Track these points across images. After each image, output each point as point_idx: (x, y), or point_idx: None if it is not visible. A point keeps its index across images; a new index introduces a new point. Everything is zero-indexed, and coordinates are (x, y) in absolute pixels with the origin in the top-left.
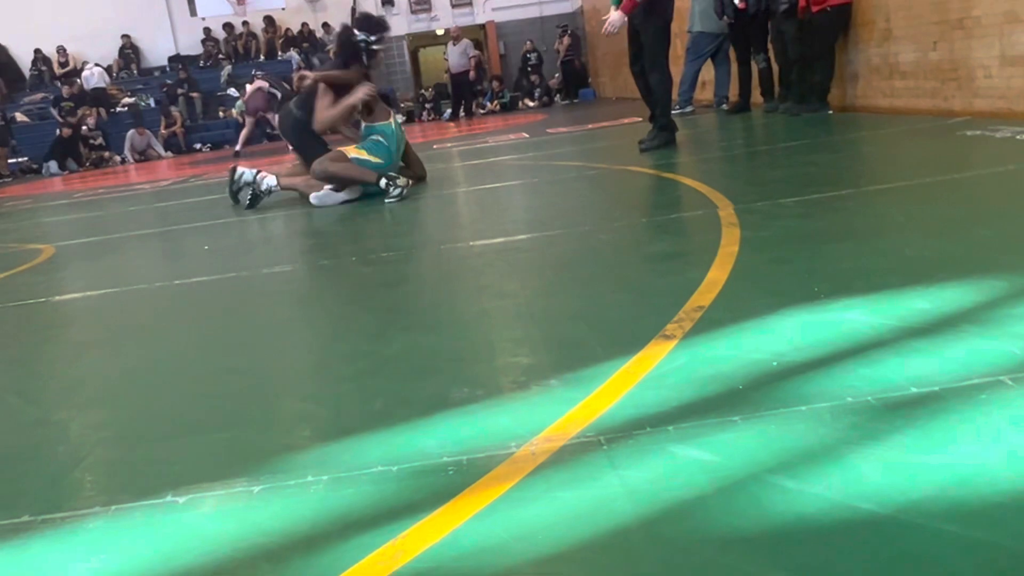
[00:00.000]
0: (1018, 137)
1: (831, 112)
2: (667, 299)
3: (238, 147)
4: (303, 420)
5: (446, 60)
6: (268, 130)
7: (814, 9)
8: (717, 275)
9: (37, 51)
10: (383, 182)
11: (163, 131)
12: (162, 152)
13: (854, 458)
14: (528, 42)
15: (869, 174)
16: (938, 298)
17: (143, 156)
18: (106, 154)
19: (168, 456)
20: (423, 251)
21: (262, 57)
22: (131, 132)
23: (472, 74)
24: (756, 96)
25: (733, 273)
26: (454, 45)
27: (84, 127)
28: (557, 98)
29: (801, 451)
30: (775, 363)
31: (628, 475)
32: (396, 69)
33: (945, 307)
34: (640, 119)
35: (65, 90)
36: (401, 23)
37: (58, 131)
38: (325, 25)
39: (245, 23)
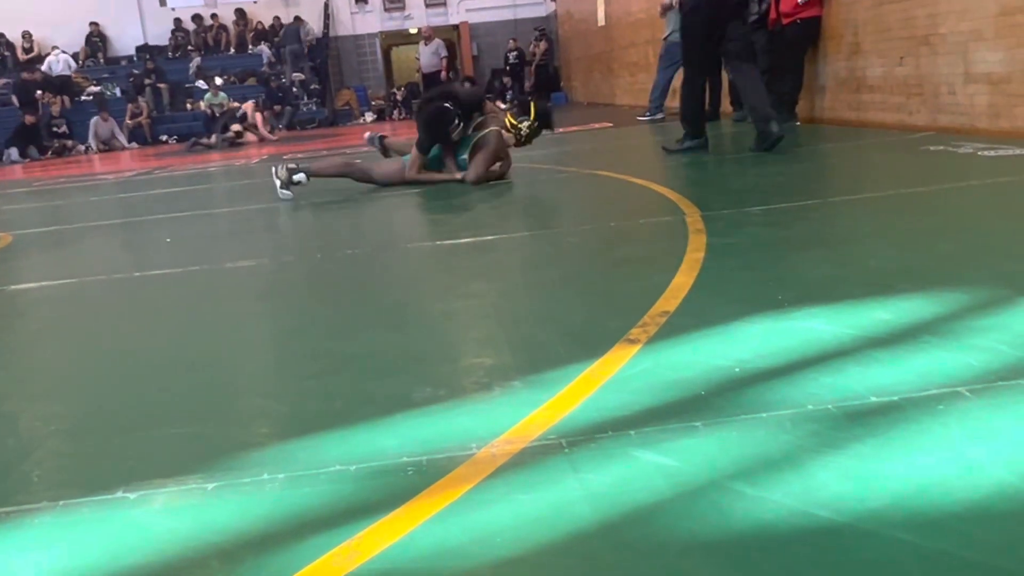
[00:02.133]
0: (980, 153)
1: (798, 123)
2: (632, 303)
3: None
4: (261, 417)
5: (417, 60)
6: None
7: (785, 21)
8: (683, 280)
9: (1, 35)
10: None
11: (129, 121)
12: (125, 143)
13: (813, 466)
14: (511, 40)
15: (835, 185)
16: (899, 309)
17: (107, 146)
18: (69, 143)
19: (121, 451)
20: (389, 250)
21: (232, 50)
22: (95, 119)
23: (444, 74)
24: (725, 105)
25: (698, 279)
26: (426, 45)
27: (50, 114)
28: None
29: (761, 458)
30: (737, 369)
31: (589, 479)
32: (368, 67)
33: (906, 318)
34: (611, 124)
35: (25, 75)
36: (374, 21)
37: (21, 118)
38: (297, 19)
39: (214, 15)
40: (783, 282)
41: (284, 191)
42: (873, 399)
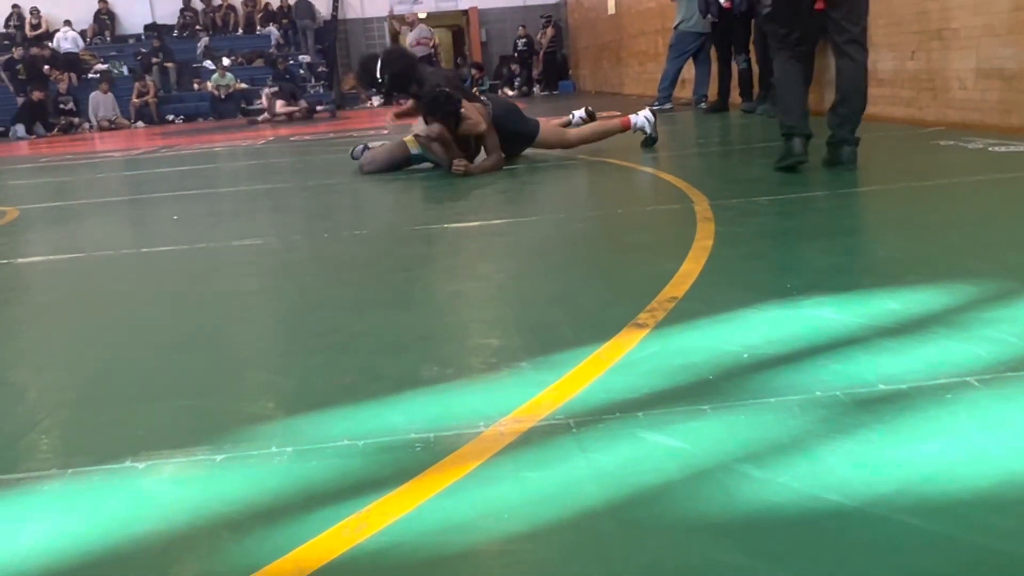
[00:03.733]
0: (990, 149)
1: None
2: (640, 288)
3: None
4: (269, 391)
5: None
6: None
7: None
8: (691, 267)
9: (15, 7)
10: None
11: (135, 100)
12: (122, 119)
13: (821, 450)
14: (521, 27)
15: (843, 177)
16: (908, 299)
17: (113, 124)
18: (76, 120)
19: (129, 421)
20: (397, 231)
21: (240, 31)
22: (94, 93)
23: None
24: (735, 96)
25: (707, 266)
26: (411, 30)
27: (57, 91)
28: (536, 89)
29: (769, 441)
30: (746, 355)
31: (596, 458)
32: (377, 50)
33: (915, 308)
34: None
35: (34, 51)
36: (383, 5)
37: (28, 94)
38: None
39: None
40: (792, 270)
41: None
42: (882, 387)
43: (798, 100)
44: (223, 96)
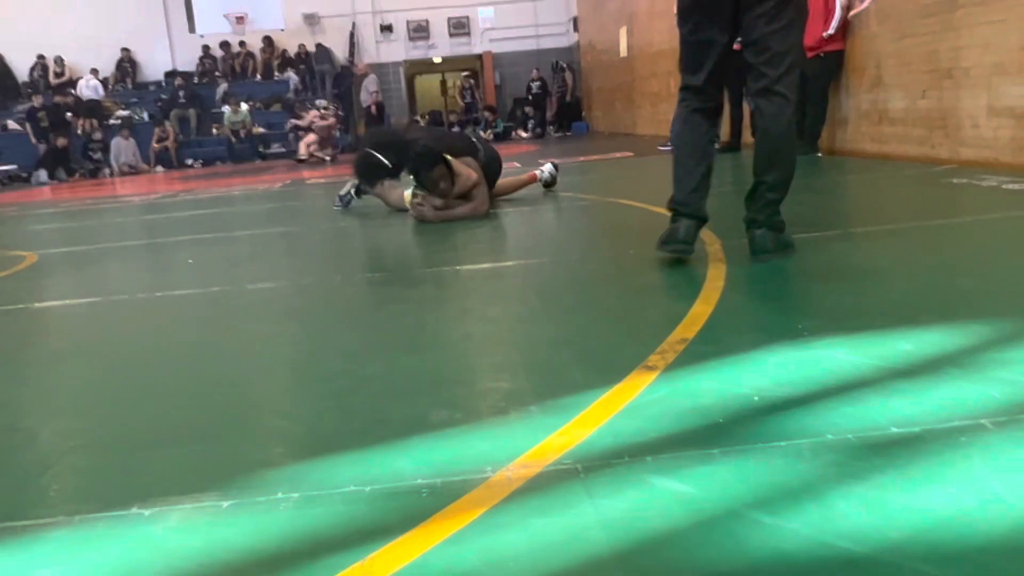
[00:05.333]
0: (1004, 187)
1: (820, 155)
2: (651, 330)
3: None
4: (277, 436)
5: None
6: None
7: (808, 55)
8: (702, 309)
9: (40, 57)
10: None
11: (155, 145)
12: (142, 164)
13: (833, 496)
14: (535, 70)
15: (856, 217)
16: (921, 340)
17: (132, 169)
18: (101, 163)
19: (137, 467)
20: (409, 273)
21: (259, 76)
22: (116, 139)
23: (373, 108)
24: (747, 136)
25: (718, 308)
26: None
27: (89, 137)
28: (550, 130)
29: (779, 486)
30: (756, 398)
31: (604, 504)
32: (392, 95)
33: (928, 349)
34: (632, 153)
35: (58, 98)
36: (399, 50)
37: (47, 141)
38: (319, 46)
39: (242, 43)
40: (803, 312)
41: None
42: (894, 430)
43: (696, 168)
44: (241, 135)
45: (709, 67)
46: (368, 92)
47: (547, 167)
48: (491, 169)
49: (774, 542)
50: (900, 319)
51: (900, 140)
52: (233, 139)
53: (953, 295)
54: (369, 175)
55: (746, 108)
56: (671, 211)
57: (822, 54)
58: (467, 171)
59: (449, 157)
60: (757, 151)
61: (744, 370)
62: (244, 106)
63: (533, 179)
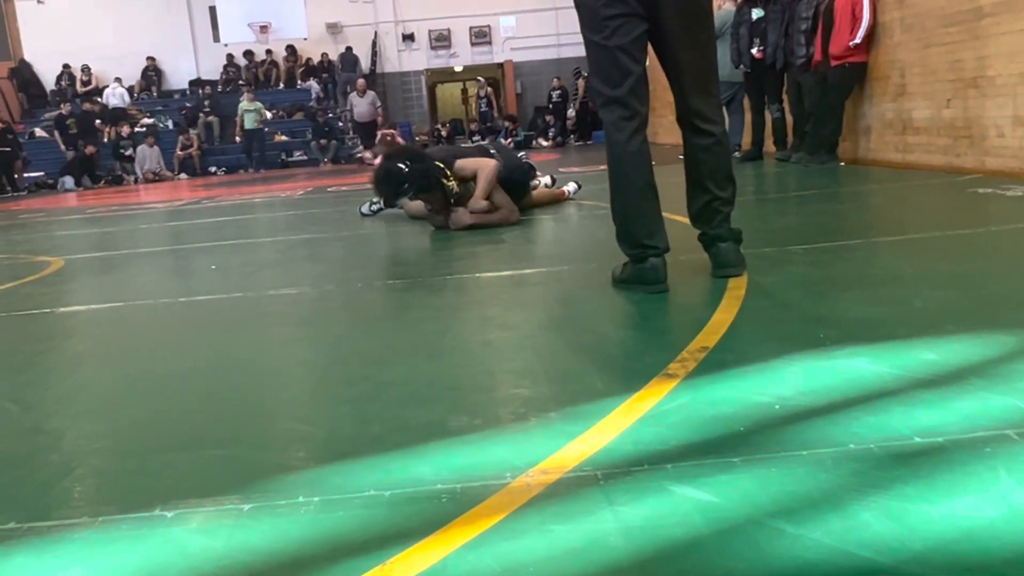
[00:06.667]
0: None
1: (841, 164)
2: (671, 339)
3: None
4: (298, 441)
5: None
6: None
7: (832, 63)
8: (723, 317)
9: (66, 66)
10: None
11: (179, 153)
12: (166, 172)
13: (855, 505)
14: (556, 78)
15: (879, 226)
16: (945, 350)
17: (157, 176)
18: (126, 170)
19: (160, 469)
20: (430, 280)
21: (281, 85)
22: (141, 146)
23: (379, 120)
24: (768, 145)
25: (739, 316)
26: (360, 96)
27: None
28: (571, 139)
29: (801, 495)
30: (777, 406)
31: (624, 511)
32: (414, 103)
33: (952, 359)
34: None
35: (86, 106)
36: (421, 59)
37: (76, 148)
38: (348, 49)
39: (268, 51)
40: (825, 321)
41: None
42: (917, 440)
43: (647, 202)
44: (262, 128)
45: (631, 83)
46: (374, 107)
47: (571, 186)
48: (514, 178)
49: (795, 551)
50: (923, 328)
51: (924, 149)
52: (241, 136)
53: (978, 305)
54: (389, 197)
55: (768, 117)
56: (633, 257)
57: (847, 64)
58: (473, 166)
59: (445, 162)
60: (711, 168)
61: (765, 379)
62: (257, 102)
63: (563, 195)
